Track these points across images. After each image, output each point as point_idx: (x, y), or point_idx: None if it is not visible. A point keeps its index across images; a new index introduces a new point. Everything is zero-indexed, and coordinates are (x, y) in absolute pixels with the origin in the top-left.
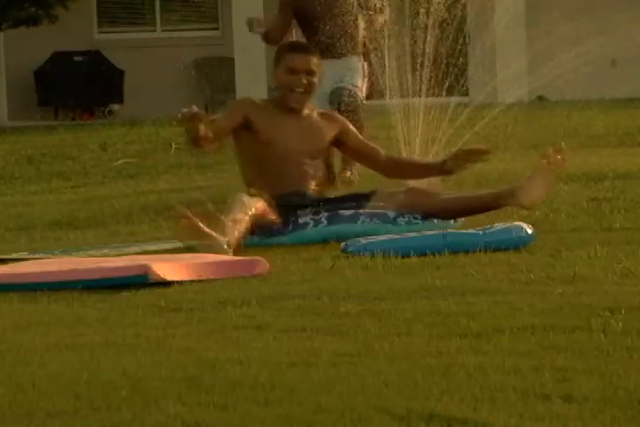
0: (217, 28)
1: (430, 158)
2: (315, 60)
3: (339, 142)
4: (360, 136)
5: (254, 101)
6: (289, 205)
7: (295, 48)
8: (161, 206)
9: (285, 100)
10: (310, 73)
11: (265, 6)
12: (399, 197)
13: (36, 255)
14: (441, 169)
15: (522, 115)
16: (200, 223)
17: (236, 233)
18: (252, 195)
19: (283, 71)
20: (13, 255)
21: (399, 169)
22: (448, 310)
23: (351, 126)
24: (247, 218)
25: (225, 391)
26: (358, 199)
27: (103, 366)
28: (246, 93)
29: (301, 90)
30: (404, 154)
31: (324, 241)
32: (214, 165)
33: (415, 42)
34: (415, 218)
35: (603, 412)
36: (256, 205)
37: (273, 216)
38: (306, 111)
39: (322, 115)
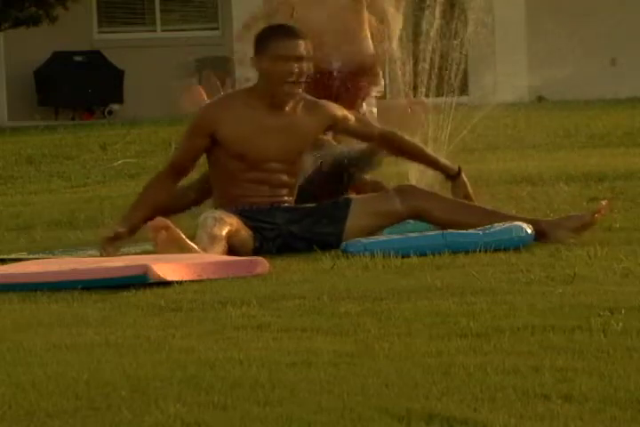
0: (217, 28)
1: (440, 158)
2: (304, 43)
3: (327, 128)
4: (352, 122)
5: (218, 111)
6: (255, 226)
7: (283, 32)
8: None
9: (274, 94)
10: (302, 59)
11: None
12: (393, 206)
13: (36, 255)
14: (447, 174)
15: (522, 115)
16: (182, 235)
17: (217, 248)
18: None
19: (268, 60)
20: (13, 255)
21: (393, 149)
22: (448, 310)
23: (341, 114)
24: (224, 234)
25: (225, 391)
26: (332, 214)
27: (103, 366)
28: None
29: (292, 79)
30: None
31: None
32: None
33: (415, 42)
34: None
35: (603, 412)
36: (231, 222)
37: (247, 233)
38: (290, 105)
39: (307, 107)
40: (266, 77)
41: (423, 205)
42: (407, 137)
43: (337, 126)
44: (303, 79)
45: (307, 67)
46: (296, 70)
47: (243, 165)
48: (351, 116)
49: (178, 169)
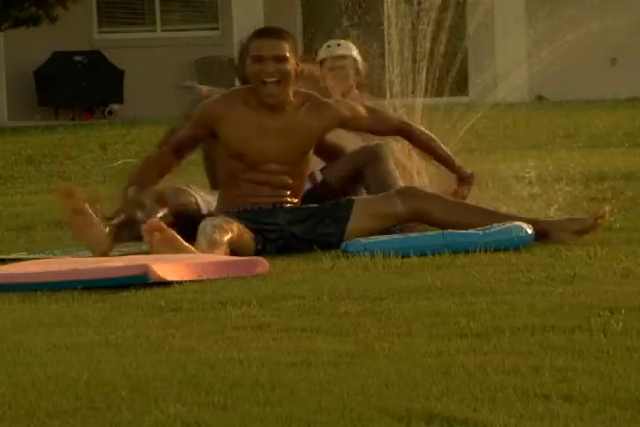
0: (217, 28)
1: (452, 159)
2: (286, 44)
3: (335, 128)
4: (363, 120)
5: (219, 109)
6: (257, 229)
7: (260, 33)
8: None
9: (260, 95)
10: (280, 59)
11: (265, 6)
12: (395, 207)
13: (36, 255)
14: (459, 175)
15: (522, 115)
16: (176, 235)
17: (217, 252)
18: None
19: (249, 61)
20: (13, 255)
21: (410, 142)
22: (448, 310)
23: (350, 114)
24: (225, 240)
25: (225, 391)
26: (335, 214)
27: (103, 366)
28: None
29: (272, 80)
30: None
31: None
32: None
33: (415, 42)
34: None
35: (603, 412)
36: (231, 228)
37: (249, 237)
38: (291, 105)
39: (312, 108)
40: (250, 79)
41: (424, 206)
42: (425, 131)
43: (346, 125)
44: (286, 80)
45: (289, 67)
46: (271, 69)
47: (242, 165)
48: (363, 113)
49: (176, 151)
